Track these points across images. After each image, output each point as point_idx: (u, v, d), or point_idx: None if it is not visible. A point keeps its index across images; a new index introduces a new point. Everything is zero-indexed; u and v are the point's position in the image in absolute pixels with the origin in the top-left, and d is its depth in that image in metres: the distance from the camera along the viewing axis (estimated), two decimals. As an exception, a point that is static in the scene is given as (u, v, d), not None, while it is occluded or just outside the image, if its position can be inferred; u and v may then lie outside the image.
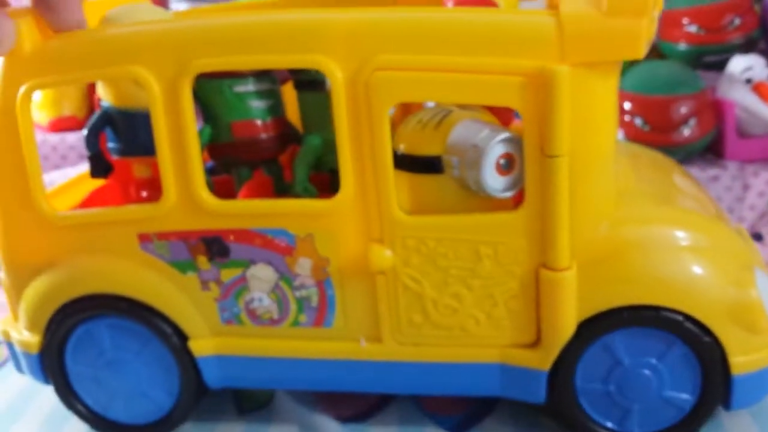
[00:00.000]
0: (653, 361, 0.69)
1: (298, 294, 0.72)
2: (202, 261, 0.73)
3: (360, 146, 0.67)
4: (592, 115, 0.65)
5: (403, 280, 0.70)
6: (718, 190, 1.19)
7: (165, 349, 0.77)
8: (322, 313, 0.73)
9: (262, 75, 0.77)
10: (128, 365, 0.78)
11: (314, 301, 0.72)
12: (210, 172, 0.85)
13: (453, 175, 0.67)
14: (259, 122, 0.78)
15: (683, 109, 1.18)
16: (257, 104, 0.78)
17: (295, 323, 0.74)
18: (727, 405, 0.70)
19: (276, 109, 0.79)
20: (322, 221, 0.70)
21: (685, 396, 0.70)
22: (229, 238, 0.72)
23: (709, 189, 1.14)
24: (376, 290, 0.71)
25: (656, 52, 1.41)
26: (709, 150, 1.24)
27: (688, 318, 0.67)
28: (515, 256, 0.68)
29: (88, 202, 0.83)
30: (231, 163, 0.81)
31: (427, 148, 0.68)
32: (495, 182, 0.66)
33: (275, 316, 0.74)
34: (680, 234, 0.69)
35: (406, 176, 0.69)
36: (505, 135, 0.65)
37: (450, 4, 0.80)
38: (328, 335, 0.74)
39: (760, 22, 1.36)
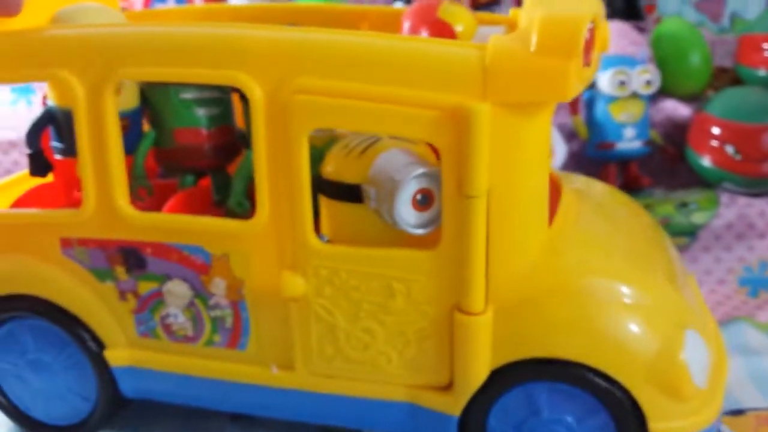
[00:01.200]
0: (569, 418, 0.66)
1: (212, 314, 0.70)
2: (120, 271, 0.71)
3: (277, 169, 0.65)
4: (515, 157, 0.62)
5: (315, 309, 0.67)
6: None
7: (82, 355, 0.75)
8: (236, 335, 0.71)
9: None
10: (48, 367, 0.77)
11: (229, 322, 0.70)
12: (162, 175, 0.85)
13: (371, 207, 0.64)
14: (201, 130, 0.76)
15: None
16: (202, 112, 0.76)
17: (209, 342, 0.72)
18: None
19: (223, 117, 0.77)
20: (237, 242, 0.68)
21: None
22: (147, 251, 0.70)
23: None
24: (290, 317, 0.68)
25: (734, 78, 1.35)
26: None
27: (605, 376, 0.63)
28: (429, 296, 0.65)
29: (21, 202, 0.82)
30: (174, 169, 0.79)
31: (349, 175, 0.65)
32: (410, 217, 0.63)
33: (190, 333, 0.72)
34: (610, 288, 0.65)
35: (329, 203, 0.67)
36: (423, 170, 0.62)
37: (406, 29, 0.76)
38: (241, 358, 0.71)
39: None
